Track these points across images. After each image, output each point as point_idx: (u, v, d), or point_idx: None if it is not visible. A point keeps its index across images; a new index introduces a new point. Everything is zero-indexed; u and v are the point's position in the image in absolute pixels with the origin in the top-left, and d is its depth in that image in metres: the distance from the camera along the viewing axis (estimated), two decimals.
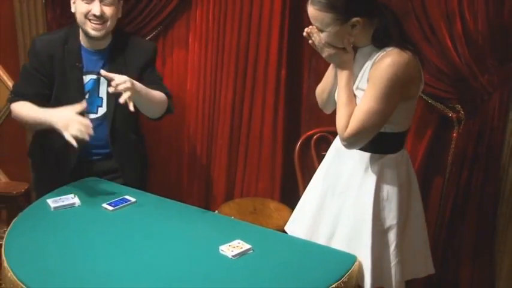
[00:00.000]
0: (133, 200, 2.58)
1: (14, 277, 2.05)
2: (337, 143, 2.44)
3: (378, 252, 2.30)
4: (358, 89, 2.26)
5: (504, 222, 2.85)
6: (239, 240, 2.25)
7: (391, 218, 2.33)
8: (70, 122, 2.40)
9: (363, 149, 2.29)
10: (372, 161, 2.31)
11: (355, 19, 2.15)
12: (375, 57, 2.21)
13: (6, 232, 2.34)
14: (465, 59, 2.71)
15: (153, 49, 2.86)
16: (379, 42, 2.22)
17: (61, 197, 2.55)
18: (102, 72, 2.51)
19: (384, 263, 2.33)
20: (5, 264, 2.13)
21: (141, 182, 2.99)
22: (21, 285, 2.01)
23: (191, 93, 3.33)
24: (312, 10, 2.17)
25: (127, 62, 2.79)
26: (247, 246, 2.22)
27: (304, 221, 2.54)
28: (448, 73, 2.76)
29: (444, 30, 2.71)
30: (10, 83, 3.38)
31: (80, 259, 2.15)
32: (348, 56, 2.27)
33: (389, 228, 2.33)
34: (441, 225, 2.95)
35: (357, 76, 2.28)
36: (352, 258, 2.21)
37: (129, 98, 2.42)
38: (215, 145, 3.37)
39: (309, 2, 2.18)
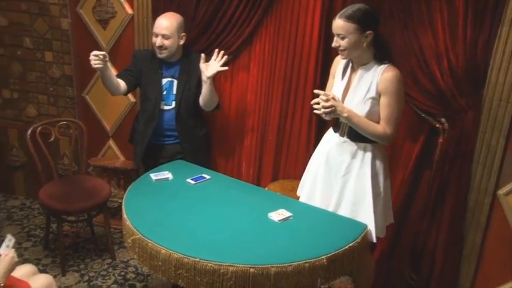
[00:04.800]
0: (208, 177, 2.67)
1: (130, 225, 2.21)
2: (335, 139, 2.53)
3: (375, 209, 2.43)
4: (368, 98, 2.35)
5: (472, 205, 2.83)
6: (283, 209, 2.32)
7: (381, 186, 2.47)
8: None
9: (362, 140, 2.42)
10: (368, 148, 2.43)
11: (369, 31, 2.29)
12: (377, 72, 2.33)
13: (125, 194, 2.49)
14: (449, 86, 2.69)
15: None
16: (380, 55, 2.35)
17: (160, 173, 2.67)
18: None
19: (377, 216, 2.44)
20: (125, 215, 2.28)
21: (202, 161, 3.06)
22: (134, 230, 2.17)
23: (250, 103, 3.36)
24: (339, 21, 2.30)
25: (191, 70, 2.99)
26: (289, 214, 2.29)
27: (315, 196, 2.59)
28: (436, 95, 2.75)
29: (435, 65, 2.70)
30: None
31: (172, 215, 2.29)
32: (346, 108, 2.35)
33: (380, 193, 2.47)
34: (427, 205, 2.93)
35: (366, 88, 2.36)
36: (363, 226, 2.29)
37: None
38: (266, 141, 3.38)
39: (338, 15, 2.31)
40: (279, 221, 2.26)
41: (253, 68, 3.30)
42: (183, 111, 3.03)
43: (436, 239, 2.94)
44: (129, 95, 3.46)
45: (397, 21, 2.75)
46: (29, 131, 3.31)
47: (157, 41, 2.90)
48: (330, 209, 2.50)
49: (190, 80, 3.01)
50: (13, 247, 2.30)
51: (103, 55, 2.72)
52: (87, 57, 3.51)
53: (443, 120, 2.83)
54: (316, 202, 2.56)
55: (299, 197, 2.74)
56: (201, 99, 3.01)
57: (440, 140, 2.86)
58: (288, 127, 3.31)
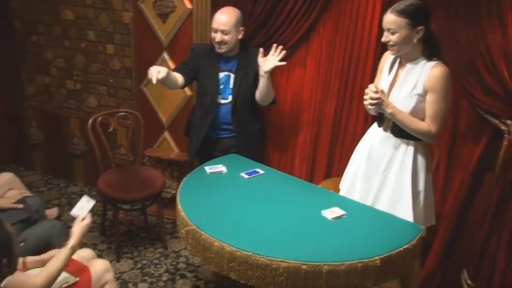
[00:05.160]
0: (262, 172, 2.68)
1: (185, 216, 2.25)
2: (379, 134, 2.52)
3: (414, 207, 2.41)
4: (414, 94, 2.34)
5: None
6: (337, 207, 2.30)
7: (421, 183, 2.43)
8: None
9: (406, 136, 2.40)
10: (411, 144, 2.41)
11: (420, 27, 2.27)
12: (425, 69, 2.31)
13: (180, 185, 2.53)
14: None
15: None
16: (429, 51, 2.33)
17: (214, 166, 2.71)
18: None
19: (416, 214, 2.42)
20: (179, 207, 2.32)
21: (256, 155, 3.07)
22: (189, 221, 2.21)
23: (305, 99, 3.34)
24: (391, 16, 2.30)
25: (249, 65, 3.02)
26: (343, 212, 2.27)
27: (355, 190, 2.59)
28: (503, 96, 2.64)
29: (503, 65, 2.58)
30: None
31: (226, 208, 2.32)
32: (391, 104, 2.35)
33: (420, 191, 2.44)
34: (488, 209, 2.82)
35: (413, 84, 2.34)
36: (419, 228, 2.22)
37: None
38: (320, 137, 3.36)
39: (390, 10, 2.31)
40: (332, 219, 2.25)
41: (309, 63, 3.29)
42: (239, 105, 3.07)
43: (498, 243, 2.84)
44: (186, 88, 3.52)
45: (463, 17, 2.66)
46: (90, 121, 3.45)
47: (217, 36, 2.94)
48: (368, 203, 2.50)
49: (248, 74, 3.04)
50: (89, 211, 2.26)
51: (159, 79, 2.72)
52: (146, 50, 3.62)
53: (509, 122, 2.71)
54: (355, 196, 2.57)
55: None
56: (258, 94, 3.04)
57: (505, 143, 2.74)
58: (343, 124, 3.29)
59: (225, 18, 2.94)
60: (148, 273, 3.27)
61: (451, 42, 2.65)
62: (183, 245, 3.53)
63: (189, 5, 3.41)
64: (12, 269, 1.67)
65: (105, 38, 3.80)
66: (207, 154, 3.10)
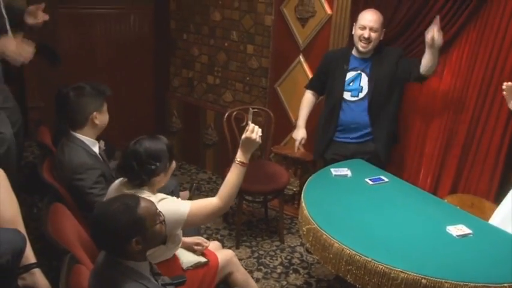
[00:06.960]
0: (386, 180, 2.67)
1: (308, 214, 2.31)
2: None
3: None
4: None
5: None
6: (463, 225, 2.23)
7: None
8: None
9: None
10: None
11: None
12: None
13: (305, 184, 2.59)
14: None
15: (401, 50, 3.05)
16: None
17: (340, 169, 2.75)
18: None
19: None
20: (303, 204, 2.40)
21: (387, 153, 3.11)
22: (311, 219, 2.27)
23: (437, 111, 3.22)
24: None
25: (383, 63, 3.00)
26: (469, 230, 2.19)
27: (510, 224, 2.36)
28: None
29: None
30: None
31: (348, 211, 2.36)
32: None
33: None
34: None
35: None
36: None
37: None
38: (450, 151, 3.21)
39: None
40: (458, 236, 2.17)
41: (446, 74, 3.17)
42: (374, 101, 3.03)
43: None
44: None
45: None
46: (226, 115, 3.68)
47: (365, 33, 2.94)
48: None
49: (381, 74, 3.01)
50: (251, 120, 2.11)
51: None
52: (283, 52, 3.74)
53: None
54: (510, 229, 2.36)
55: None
56: (423, 65, 2.89)
57: None
58: (476, 140, 3.13)
59: (375, 16, 2.95)
60: (264, 263, 3.40)
61: None
62: (298, 241, 3.61)
63: (329, 11, 3.46)
64: (148, 245, 1.72)
65: (247, 39, 4.01)
66: (331, 157, 3.13)
